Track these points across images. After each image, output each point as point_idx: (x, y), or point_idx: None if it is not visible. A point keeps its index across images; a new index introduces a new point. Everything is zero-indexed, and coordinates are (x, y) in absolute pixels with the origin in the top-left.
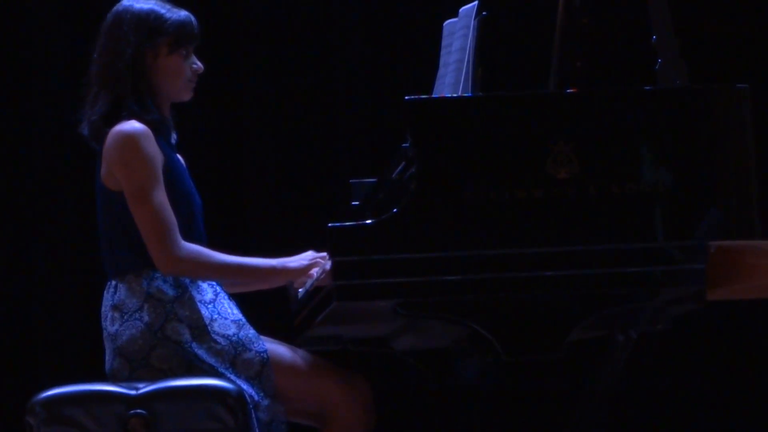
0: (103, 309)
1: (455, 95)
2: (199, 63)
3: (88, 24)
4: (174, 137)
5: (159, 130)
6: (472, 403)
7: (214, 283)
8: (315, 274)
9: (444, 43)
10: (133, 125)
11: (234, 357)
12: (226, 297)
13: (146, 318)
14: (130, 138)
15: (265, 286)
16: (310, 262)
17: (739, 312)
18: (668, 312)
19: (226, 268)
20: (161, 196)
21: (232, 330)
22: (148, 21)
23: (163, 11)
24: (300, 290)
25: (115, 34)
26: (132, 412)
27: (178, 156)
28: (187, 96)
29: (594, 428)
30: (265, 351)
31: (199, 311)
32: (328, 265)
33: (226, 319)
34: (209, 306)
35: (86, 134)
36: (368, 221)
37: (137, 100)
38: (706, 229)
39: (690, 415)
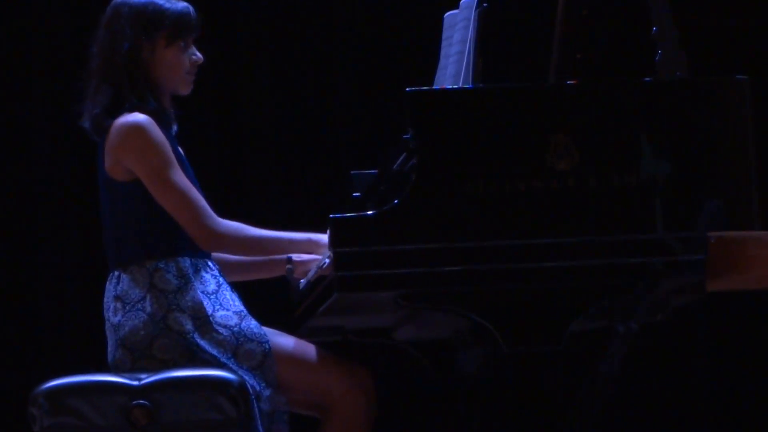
0: (105, 300)
1: (456, 86)
2: (198, 54)
3: (87, 17)
4: (174, 128)
5: (159, 120)
6: (473, 394)
7: (216, 273)
8: (314, 266)
9: (445, 35)
10: (137, 116)
11: (236, 347)
12: (228, 288)
13: (149, 308)
14: (137, 127)
15: (269, 274)
16: None
17: (739, 303)
18: (668, 303)
19: (265, 240)
20: (181, 176)
21: (234, 321)
22: (146, 14)
23: (161, 2)
24: (301, 281)
25: (113, 27)
26: (135, 402)
27: (179, 147)
28: (186, 89)
29: (594, 421)
30: (267, 342)
31: (201, 302)
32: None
33: (228, 309)
34: (211, 297)
35: (88, 127)
36: (369, 212)
37: (136, 93)
38: (706, 220)
39: (689, 407)
